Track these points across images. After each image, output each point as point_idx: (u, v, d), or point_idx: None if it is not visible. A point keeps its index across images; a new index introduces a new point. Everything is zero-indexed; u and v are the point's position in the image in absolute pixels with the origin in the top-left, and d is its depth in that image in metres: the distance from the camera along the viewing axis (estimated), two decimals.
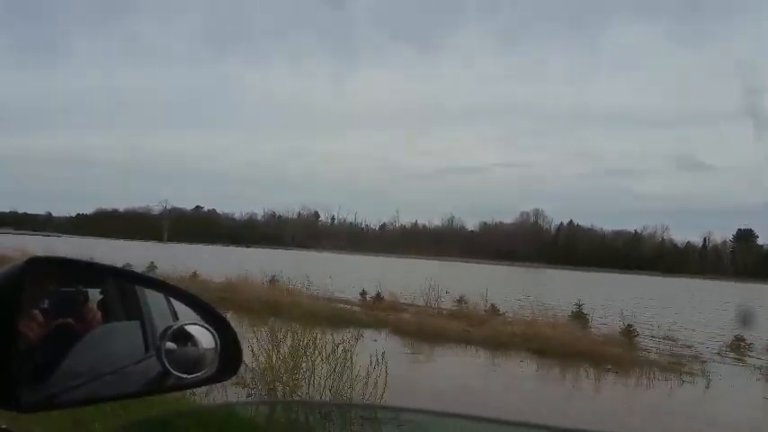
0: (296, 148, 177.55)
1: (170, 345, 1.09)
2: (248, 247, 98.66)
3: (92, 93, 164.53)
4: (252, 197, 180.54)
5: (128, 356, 1.07)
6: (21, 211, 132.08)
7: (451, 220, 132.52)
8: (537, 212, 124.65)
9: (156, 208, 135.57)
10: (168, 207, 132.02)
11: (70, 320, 0.98)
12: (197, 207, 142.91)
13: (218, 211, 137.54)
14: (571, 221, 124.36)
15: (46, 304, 0.96)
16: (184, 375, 1.10)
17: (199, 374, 1.12)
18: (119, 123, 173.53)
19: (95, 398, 1.04)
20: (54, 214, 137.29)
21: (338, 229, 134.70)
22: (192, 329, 1.13)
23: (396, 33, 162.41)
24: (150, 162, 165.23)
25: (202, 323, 1.14)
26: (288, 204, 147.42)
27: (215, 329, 1.14)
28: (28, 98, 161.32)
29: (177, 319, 1.14)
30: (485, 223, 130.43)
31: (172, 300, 1.15)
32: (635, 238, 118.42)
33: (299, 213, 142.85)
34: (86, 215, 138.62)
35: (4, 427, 0.92)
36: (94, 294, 1.04)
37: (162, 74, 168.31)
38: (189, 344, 1.12)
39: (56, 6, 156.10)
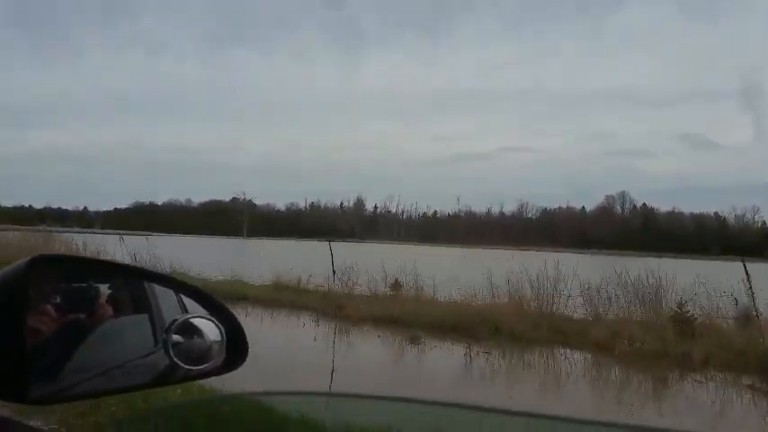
0: (305, 138, 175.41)
1: (177, 337, 1.09)
2: (324, 241, 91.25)
3: (98, 90, 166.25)
4: (266, 189, 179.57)
5: (136, 350, 1.08)
6: (55, 206, 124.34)
7: (486, 207, 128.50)
8: (623, 196, 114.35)
9: (194, 200, 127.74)
10: (246, 200, 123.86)
11: (81, 315, 0.99)
12: (234, 199, 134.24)
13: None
14: (644, 204, 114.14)
15: (58, 299, 0.98)
16: (191, 367, 1.10)
17: (205, 366, 1.12)
18: (127, 118, 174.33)
19: (103, 391, 1.07)
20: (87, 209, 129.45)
21: (390, 220, 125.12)
22: (199, 322, 1.13)
23: (402, 20, 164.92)
24: (156, 156, 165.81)
25: (208, 316, 1.15)
26: (304, 194, 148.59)
27: (221, 322, 1.15)
28: (26, 96, 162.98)
29: (184, 312, 1.15)
30: (545, 209, 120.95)
31: (178, 294, 1.17)
32: (721, 222, 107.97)
33: (342, 204, 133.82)
34: (124, 209, 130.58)
35: (4, 416, 0.93)
36: (104, 289, 1.05)
37: (167, 68, 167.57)
38: (195, 336, 1.12)
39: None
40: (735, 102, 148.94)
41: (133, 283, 1.14)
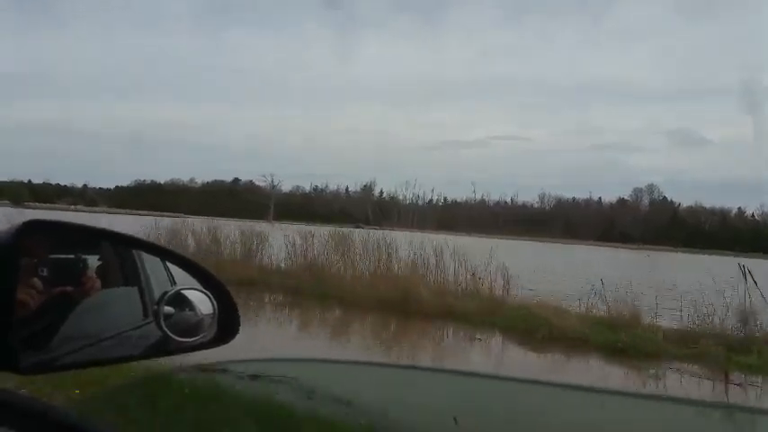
0: (295, 122, 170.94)
1: (168, 309, 1.08)
2: (359, 227, 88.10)
3: (85, 62, 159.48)
4: (251, 170, 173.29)
5: (127, 322, 1.07)
6: (53, 182, 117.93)
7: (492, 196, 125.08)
8: (650, 188, 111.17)
9: (197, 180, 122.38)
10: (275, 182, 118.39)
11: (70, 288, 0.98)
12: (235, 179, 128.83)
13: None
14: (665, 198, 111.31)
15: (45, 272, 0.95)
16: (182, 339, 1.09)
17: (197, 338, 1.11)
18: (118, 94, 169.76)
19: (94, 361, 1.05)
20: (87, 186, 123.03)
21: (402, 206, 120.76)
22: (190, 294, 1.12)
23: (398, 6, 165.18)
24: (147, 134, 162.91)
25: (200, 288, 1.13)
26: (290, 177, 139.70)
27: (212, 294, 1.13)
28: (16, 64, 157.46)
29: (175, 284, 1.13)
30: (559, 200, 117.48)
31: (168, 264, 1.14)
32: (743, 218, 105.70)
33: (347, 188, 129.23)
34: (127, 187, 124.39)
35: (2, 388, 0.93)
36: (93, 261, 1.03)
37: (158, 45, 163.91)
38: (187, 308, 1.10)
39: None
40: (727, 98, 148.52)
41: (123, 252, 1.11)
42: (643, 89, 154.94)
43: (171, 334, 1.07)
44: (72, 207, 79.13)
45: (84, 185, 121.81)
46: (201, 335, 1.12)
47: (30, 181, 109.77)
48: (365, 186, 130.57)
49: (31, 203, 73.66)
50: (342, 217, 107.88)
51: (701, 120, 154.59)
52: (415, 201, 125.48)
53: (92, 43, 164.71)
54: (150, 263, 1.13)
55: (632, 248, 79.59)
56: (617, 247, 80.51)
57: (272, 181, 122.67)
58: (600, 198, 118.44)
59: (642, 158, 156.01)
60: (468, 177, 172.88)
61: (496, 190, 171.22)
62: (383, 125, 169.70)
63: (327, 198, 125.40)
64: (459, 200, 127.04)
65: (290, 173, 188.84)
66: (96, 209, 78.39)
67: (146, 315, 1.09)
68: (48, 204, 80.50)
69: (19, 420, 0.89)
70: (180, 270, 1.15)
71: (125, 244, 1.13)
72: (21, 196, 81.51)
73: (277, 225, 78.30)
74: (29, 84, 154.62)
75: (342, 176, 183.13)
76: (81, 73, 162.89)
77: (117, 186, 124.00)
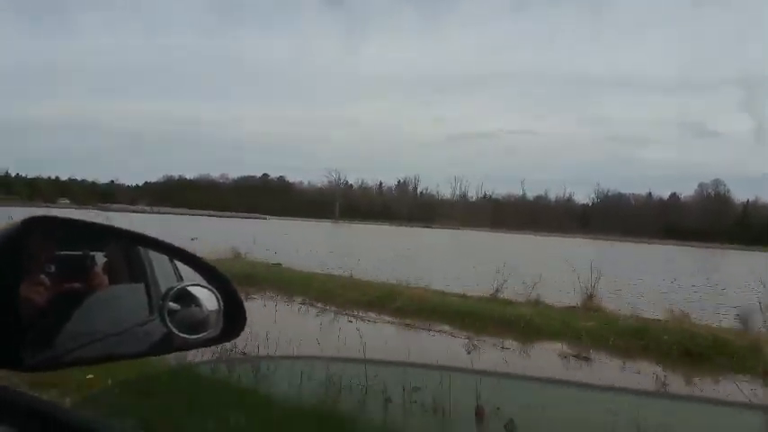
0: (304, 117, 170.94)
1: (173, 305, 1.07)
2: (413, 225, 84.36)
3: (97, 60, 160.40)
4: (265, 165, 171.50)
5: (133, 318, 1.06)
6: (79, 177, 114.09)
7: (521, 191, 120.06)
8: (717, 184, 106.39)
9: (227, 177, 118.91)
10: (340, 180, 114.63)
11: (77, 284, 0.97)
12: (264, 175, 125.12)
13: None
14: (718, 193, 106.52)
15: (52, 269, 0.95)
16: (188, 336, 1.08)
17: (202, 335, 1.10)
18: (129, 91, 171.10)
19: (100, 358, 1.05)
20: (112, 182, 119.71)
21: (444, 203, 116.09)
22: (196, 290, 1.11)
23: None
24: (156, 131, 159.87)
25: (206, 284, 1.12)
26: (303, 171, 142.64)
27: (218, 290, 1.12)
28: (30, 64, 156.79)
29: (181, 280, 1.12)
30: (606, 194, 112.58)
31: (174, 260, 1.13)
32: None
33: (381, 184, 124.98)
34: (154, 183, 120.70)
35: (2, 385, 0.93)
36: (99, 257, 1.03)
37: (168, 43, 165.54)
38: (192, 305, 1.10)
39: None
40: (737, 91, 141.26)
41: (129, 249, 1.11)
42: (657, 80, 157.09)
43: (176, 330, 1.06)
44: (148, 209, 74.00)
45: (112, 182, 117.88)
46: (208, 331, 1.10)
47: (57, 178, 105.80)
48: (399, 183, 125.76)
49: (105, 205, 69.62)
50: (382, 214, 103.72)
51: (715, 111, 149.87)
52: (460, 197, 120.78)
53: (103, 44, 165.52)
54: (156, 259, 1.11)
55: (706, 247, 75.22)
56: (690, 246, 75.75)
57: (338, 177, 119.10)
58: (650, 193, 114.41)
59: (657, 151, 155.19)
60: (477, 172, 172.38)
61: (510, 185, 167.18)
62: (391, 120, 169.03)
63: (372, 195, 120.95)
64: (502, 196, 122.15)
65: (301, 168, 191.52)
66: (171, 209, 73.69)
67: (151, 312, 1.07)
68: (118, 206, 75.57)
69: (19, 418, 0.87)
70: (185, 266, 1.13)
71: (130, 240, 1.11)
72: (77, 195, 77.08)
73: (346, 224, 74.31)
74: (53, 82, 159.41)
75: (351, 171, 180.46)
76: (92, 71, 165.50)
77: (146, 182, 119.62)
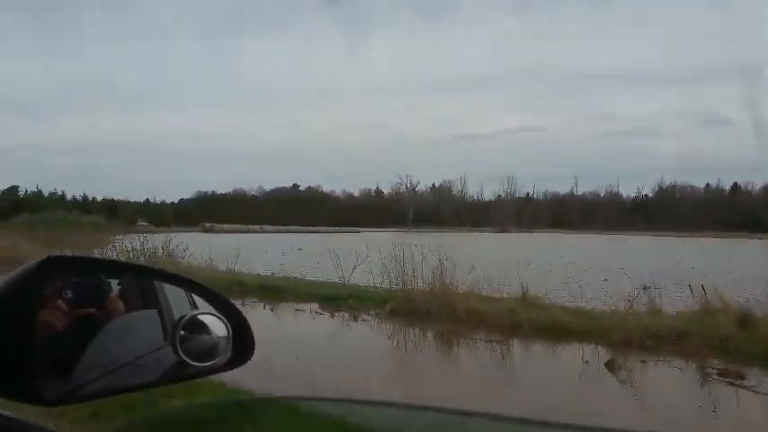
0: (304, 122, 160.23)
1: (184, 334, 1.10)
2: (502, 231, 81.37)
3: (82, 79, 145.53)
4: (271, 174, 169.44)
5: (145, 347, 1.09)
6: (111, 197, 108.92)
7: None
8: None
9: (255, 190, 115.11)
10: (411, 187, 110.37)
11: (93, 310, 1.01)
12: (295, 185, 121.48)
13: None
14: None
15: (69, 294, 0.99)
16: (199, 364, 1.10)
17: (213, 363, 1.12)
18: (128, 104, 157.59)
19: (115, 389, 1.07)
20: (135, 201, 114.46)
21: (496, 205, 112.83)
22: (206, 319, 1.14)
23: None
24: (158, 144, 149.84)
25: (215, 312, 1.15)
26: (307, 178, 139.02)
27: (227, 318, 1.15)
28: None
29: (191, 309, 1.15)
30: (673, 186, 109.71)
31: (187, 291, 1.17)
32: None
33: (414, 188, 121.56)
34: (190, 200, 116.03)
35: (6, 415, 0.95)
36: (115, 285, 1.07)
37: (161, 52, 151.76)
38: (203, 333, 1.12)
39: None
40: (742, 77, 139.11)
41: (142, 280, 1.14)
42: (660, 72, 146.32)
43: (187, 359, 1.08)
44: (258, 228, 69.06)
45: (147, 200, 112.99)
46: (217, 359, 1.12)
47: (89, 196, 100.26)
48: (433, 186, 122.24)
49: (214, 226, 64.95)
50: (431, 220, 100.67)
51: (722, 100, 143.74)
52: (508, 197, 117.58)
53: (99, 55, 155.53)
54: (168, 289, 1.15)
55: None
56: (759, 239, 73.06)
57: (410, 183, 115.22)
58: (708, 184, 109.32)
59: (663, 143, 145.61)
60: (484, 170, 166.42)
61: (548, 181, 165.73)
62: (394, 121, 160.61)
63: (406, 200, 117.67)
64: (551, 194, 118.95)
65: (303, 174, 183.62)
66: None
67: (164, 340, 1.09)
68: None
69: None
70: (195, 295, 1.16)
71: (143, 274, 1.15)
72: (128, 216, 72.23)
73: (425, 233, 71.31)
74: (50, 102, 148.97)
75: (356, 177, 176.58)
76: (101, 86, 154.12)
77: (181, 199, 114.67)
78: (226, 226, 67.79)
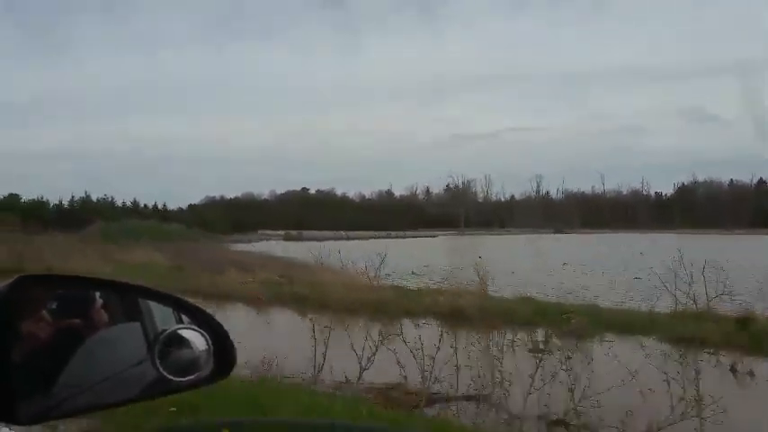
0: (303, 126, 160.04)
1: (164, 350, 1.09)
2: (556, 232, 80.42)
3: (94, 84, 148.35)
4: (265, 177, 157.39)
5: (125, 362, 1.08)
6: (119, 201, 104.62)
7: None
8: None
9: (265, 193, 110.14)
10: (467, 186, 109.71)
11: (75, 322, 1.01)
12: (303, 188, 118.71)
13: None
14: None
15: (54, 306, 0.99)
16: (179, 379, 1.09)
17: (193, 377, 1.11)
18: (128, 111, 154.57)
19: (94, 406, 1.08)
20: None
21: (523, 205, 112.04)
22: (186, 333, 1.12)
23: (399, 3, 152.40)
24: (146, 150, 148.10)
25: (195, 327, 1.13)
26: (309, 182, 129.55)
27: (207, 331, 1.13)
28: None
29: (171, 323, 1.14)
30: (694, 181, 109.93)
31: (164, 306, 1.16)
32: None
33: (428, 189, 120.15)
34: (196, 205, 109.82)
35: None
36: (98, 299, 1.07)
37: (164, 59, 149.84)
38: (183, 348, 1.11)
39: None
40: (735, 75, 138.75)
41: (120, 297, 1.13)
42: (655, 69, 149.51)
43: (167, 374, 1.07)
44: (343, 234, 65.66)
45: (156, 205, 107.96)
46: (198, 372, 1.11)
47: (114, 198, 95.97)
48: (448, 186, 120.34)
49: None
50: (450, 222, 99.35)
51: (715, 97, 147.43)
52: (533, 196, 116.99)
53: (98, 63, 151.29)
54: (147, 305, 1.14)
55: None
56: None
57: (464, 183, 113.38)
58: (732, 180, 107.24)
59: (659, 141, 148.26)
60: (484, 170, 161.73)
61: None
62: (392, 124, 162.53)
63: (421, 202, 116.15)
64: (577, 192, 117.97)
65: (303, 178, 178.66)
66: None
67: (144, 355, 1.08)
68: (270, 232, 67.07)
69: None
70: (173, 310, 1.15)
71: (120, 290, 1.14)
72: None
73: (477, 236, 69.24)
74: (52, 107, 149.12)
75: (355, 180, 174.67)
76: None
77: (190, 205, 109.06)
78: (315, 233, 64.63)
